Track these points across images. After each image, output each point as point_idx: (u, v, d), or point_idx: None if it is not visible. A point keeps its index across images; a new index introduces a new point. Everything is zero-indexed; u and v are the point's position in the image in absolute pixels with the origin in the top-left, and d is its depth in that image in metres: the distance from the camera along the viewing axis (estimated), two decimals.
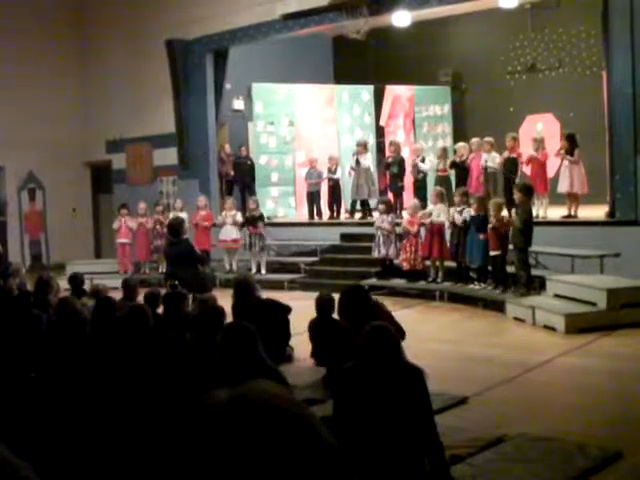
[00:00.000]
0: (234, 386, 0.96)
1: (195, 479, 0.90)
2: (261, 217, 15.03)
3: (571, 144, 12.77)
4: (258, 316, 7.87)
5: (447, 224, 12.28)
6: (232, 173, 17.29)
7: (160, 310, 7.68)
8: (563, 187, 12.79)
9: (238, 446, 0.89)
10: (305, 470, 0.89)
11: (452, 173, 14.53)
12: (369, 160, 15.56)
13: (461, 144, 14.67)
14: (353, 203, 16.13)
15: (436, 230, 12.45)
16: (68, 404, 4.42)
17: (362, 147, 15.63)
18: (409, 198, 14.77)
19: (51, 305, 7.48)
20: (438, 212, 12.52)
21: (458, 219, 11.97)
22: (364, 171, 15.36)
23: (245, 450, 0.89)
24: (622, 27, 11.85)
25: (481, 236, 11.47)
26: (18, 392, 4.65)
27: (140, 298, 8.56)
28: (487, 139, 13.93)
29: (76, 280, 10.03)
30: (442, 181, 14.37)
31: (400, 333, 6.04)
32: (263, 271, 14.81)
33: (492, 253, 11.38)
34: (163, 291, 8.71)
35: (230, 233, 15.11)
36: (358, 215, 15.87)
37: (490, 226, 11.29)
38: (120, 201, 17.36)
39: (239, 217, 15.24)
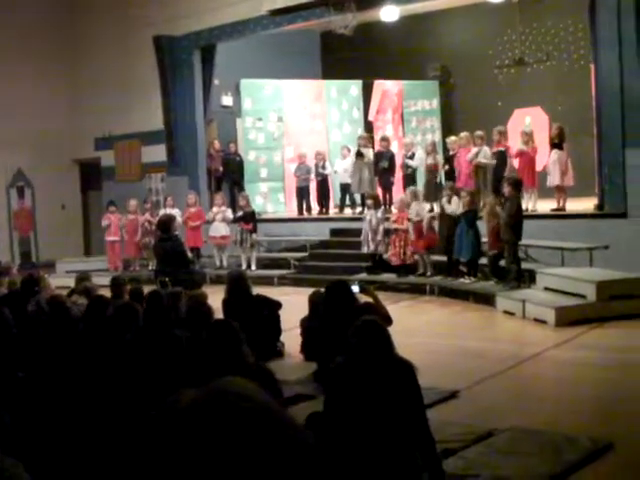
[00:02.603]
0: (210, 383, 0.95)
1: (169, 476, 0.89)
2: (253, 214, 15.01)
3: (559, 137, 12.82)
4: (249, 312, 7.89)
5: (436, 213, 12.34)
6: (221, 169, 17.22)
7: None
8: (554, 180, 12.83)
9: (208, 444, 0.88)
10: (277, 466, 0.89)
11: (445, 168, 14.51)
12: (371, 153, 15.33)
13: (453, 138, 14.63)
14: (342, 198, 16.10)
15: (419, 227, 12.54)
16: (57, 403, 4.40)
17: (365, 140, 15.51)
18: (398, 193, 14.77)
19: (41, 303, 7.43)
20: (414, 211, 12.56)
21: (448, 208, 12.01)
22: (366, 165, 15.14)
23: (215, 448, 0.88)
24: (609, 20, 11.88)
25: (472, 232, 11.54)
26: (6, 392, 4.62)
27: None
28: (478, 133, 13.80)
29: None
30: (432, 176, 14.38)
31: (387, 320, 6.05)
32: (253, 267, 14.79)
33: (491, 252, 11.40)
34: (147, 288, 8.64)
35: (220, 229, 15.10)
36: (348, 210, 15.84)
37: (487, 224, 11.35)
38: (109, 198, 17.29)
39: (229, 213, 15.22)
